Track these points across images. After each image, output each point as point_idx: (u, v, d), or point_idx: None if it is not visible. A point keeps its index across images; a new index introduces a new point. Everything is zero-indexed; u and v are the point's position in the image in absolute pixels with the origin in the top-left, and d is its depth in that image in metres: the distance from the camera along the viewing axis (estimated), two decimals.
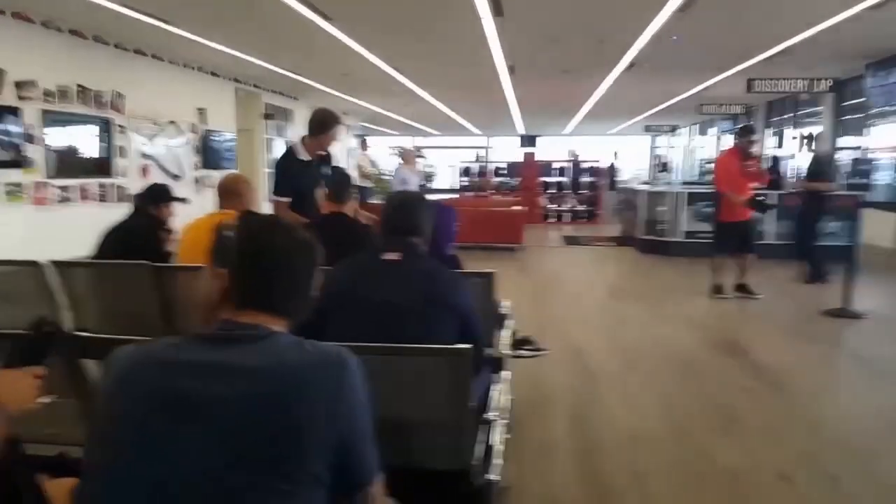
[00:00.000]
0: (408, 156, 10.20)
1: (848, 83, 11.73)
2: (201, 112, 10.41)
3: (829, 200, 7.36)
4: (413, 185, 9.25)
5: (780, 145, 15.81)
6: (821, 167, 7.31)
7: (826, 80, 10.44)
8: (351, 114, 19.31)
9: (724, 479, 2.70)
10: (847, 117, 12.46)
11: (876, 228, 9.50)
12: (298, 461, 0.98)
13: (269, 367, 1.02)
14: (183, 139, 9.82)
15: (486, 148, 26.86)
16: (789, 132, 15.23)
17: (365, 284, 1.94)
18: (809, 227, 7.25)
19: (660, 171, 16.80)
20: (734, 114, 15.99)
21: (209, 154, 10.58)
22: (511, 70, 11.04)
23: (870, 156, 11.43)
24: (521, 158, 15.60)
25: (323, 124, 3.90)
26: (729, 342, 4.80)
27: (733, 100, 14.33)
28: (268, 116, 13.44)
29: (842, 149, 12.50)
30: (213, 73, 11.02)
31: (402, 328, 1.80)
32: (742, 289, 6.25)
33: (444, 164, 27.45)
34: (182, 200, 3.77)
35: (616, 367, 4.21)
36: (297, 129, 14.31)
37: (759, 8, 7.20)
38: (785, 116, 15.25)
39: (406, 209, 2.08)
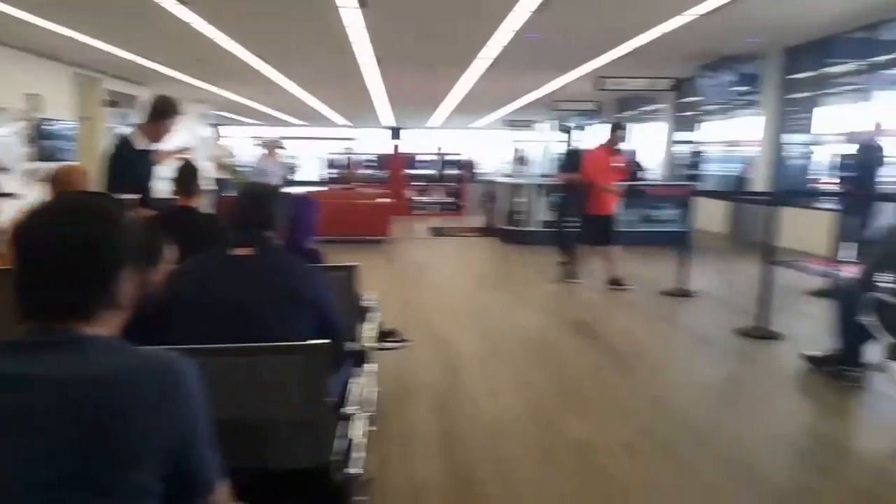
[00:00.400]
0: (270, 146, 9.83)
1: (685, 83, 12.86)
2: (34, 98, 9.42)
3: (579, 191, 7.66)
4: (276, 177, 8.94)
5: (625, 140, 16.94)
6: (572, 160, 7.79)
7: (666, 79, 11.37)
8: (206, 102, 18.30)
9: (576, 454, 2.89)
10: (686, 113, 13.68)
11: (707, 215, 10.54)
12: (122, 474, 0.93)
13: (83, 376, 0.93)
14: (11, 128, 8.84)
15: (350, 140, 26.54)
16: (638, 127, 16.41)
17: (213, 283, 1.85)
18: (562, 216, 7.73)
19: (519, 165, 17.56)
20: (586, 110, 17.01)
21: (45, 144, 9.62)
22: (378, 61, 10.99)
23: (702, 149, 12.64)
24: (390, 150, 15.62)
25: (162, 112, 3.72)
26: (581, 324, 5.12)
27: (585, 97, 15.22)
28: (110, 104, 12.42)
29: (679, 142, 13.73)
30: (49, 57, 10.00)
31: (255, 326, 1.74)
32: (615, 283, 6.44)
33: (310, 156, 26.82)
34: (9, 196, 3.42)
35: (479, 354, 4.36)
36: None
37: (608, 10, 7.71)
38: (633, 112, 16.46)
39: (258, 201, 2.00)
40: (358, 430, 1.92)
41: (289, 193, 2.56)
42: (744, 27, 8.58)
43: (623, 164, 6.51)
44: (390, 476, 2.61)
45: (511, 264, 8.28)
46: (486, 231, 11.29)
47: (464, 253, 9.21)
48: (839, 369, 3.79)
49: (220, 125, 22.98)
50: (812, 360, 3.98)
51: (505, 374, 3.98)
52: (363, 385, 2.17)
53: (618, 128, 6.59)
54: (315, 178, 18.23)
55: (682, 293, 6.13)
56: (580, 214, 6.65)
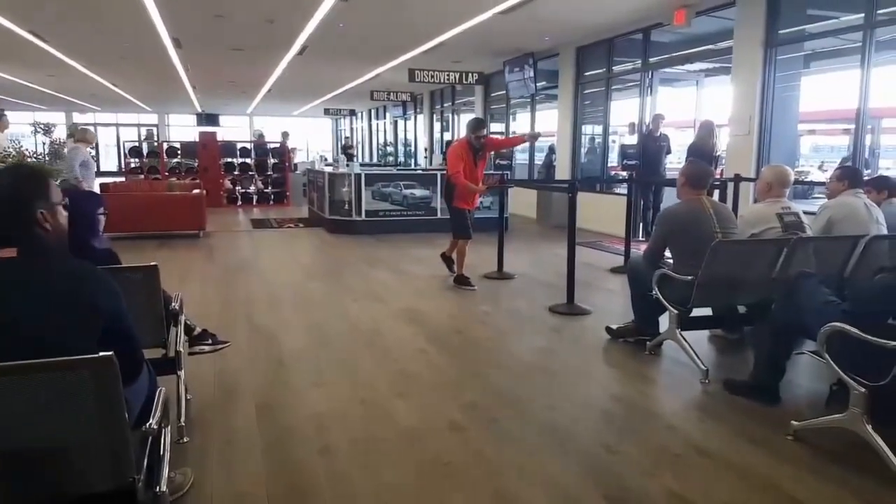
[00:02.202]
0: (87, 135, 8.42)
1: (493, 76, 13.53)
2: None
3: None
4: (90, 170, 7.93)
5: (447, 129, 17.57)
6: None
7: (473, 73, 11.89)
8: None
9: (404, 437, 2.92)
10: (494, 106, 14.39)
11: (520, 202, 11.23)
12: None
13: None
14: None
15: (154, 126, 24.52)
16: (452, 119, 16.99)
17: None
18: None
19: (346, 158, 17.38)
20: (402, 101, 17.30)
21: None
22: (177, 44, 10.23)
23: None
24: (196, 138, 14.57)
25: None
26: (408, 311, 5.20)
27: (401, 88, 15.46)
28: None
29: (493, 133, 14.42)
30: None
31: (28, 346, 1.48)
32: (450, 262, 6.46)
33: (104, 144, 24.38)
34: None
35: (303, 347, 4.25)
36: None
37: (411, 5, 7.88)
38: (446, 104, 17.01)
39: (18, 191, 1.64)
40: (164, 444, 1.77)
41: (70, 186, 2.25)
42: (537, 27, 9.26)
43: (484, 158, 6.21)
44: (209, 489, 2.44)
45: (337, 254, 8.18)
46: (311, 221, 11.04)
47: (288, 245, 8.92)
48: (638, 339, 4.23)
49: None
50: (615, 331, 4.40)
51: (330, 364, 3.91)
52: (169, 395, 1.99)
53: (478, 124, 6.20)
54: (113, 169, 16.67)
55: (502, 276, 6.46)
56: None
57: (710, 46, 8.71)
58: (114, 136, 26.85)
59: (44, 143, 18.73)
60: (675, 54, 9.46)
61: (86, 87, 16.73)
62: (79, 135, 8.47)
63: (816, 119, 14.90)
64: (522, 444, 2.88)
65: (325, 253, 8.44)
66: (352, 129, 27.88)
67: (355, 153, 22.59)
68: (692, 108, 11.06)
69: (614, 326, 4.43)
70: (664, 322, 4.00)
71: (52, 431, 1.50)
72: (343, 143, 25.24)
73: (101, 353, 1.43)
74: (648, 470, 2.63)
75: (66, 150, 9.04)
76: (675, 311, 3.81)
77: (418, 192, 10.04)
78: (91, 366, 1.43)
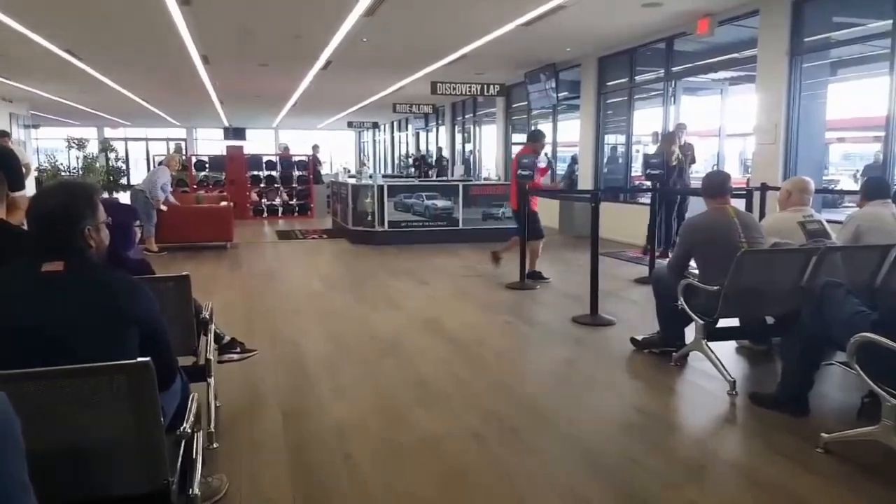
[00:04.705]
0: (172, 160, 9.58)
1: (514, 88, 13.56)
2: None
3: None
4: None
5: (468, 141, 17.64)
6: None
7: (495, 85, 11.94)
8: (16, 101, 16.36)
9: (425, 446, 2.93)
10: (515, 118, 14.42)
11: (541, 211, 11.17)
12: None
13: None
14: None
15: (183, 140, 24.97)
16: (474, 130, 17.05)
17: (16, 308, 1.63)
18: None
19: (362, 166, 17.60)
20: (425, 113, 17.41)
21: None
22: (205, 60, 10.45)
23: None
24: (224, 151, 14.82)
25: None
26: (430, 321, 5.23)
27: (423, 100, 15.57)
28: None
29: (515, 143, 14.46)
30: None
31: (72, 352, 1.56)
32: (534, 275, 6.71)
33: (134, 158, 24.92)
34: None
35: (328, 356, 4.30)
36: None
37: (434, 19, 7.98)
38: (467, 116, 17.09)
39: (68, 209, 1.72)
40: (197, 448, 1.82)
41: (108, 198, 2.32)
42: (559, 38, 9.28)
43: (545, 166, 6.83)
44: (234, 493, 2.48)
45: (360, 265, 8.25)
46: (334, 233, 11.15)
47: (311, 255, 9.02)
48: (663, 350, 4.20)
49: (35, 126, 20.67)
50: (639, 342, 4.37)
51: (353, 373, 3.95)
52: (201, 401, 2.04)
53: (538, 135, 6.95)
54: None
55: (524, 286, 6.47)
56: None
57: (734, 55, 8.66)
58: (143, 150, 27.42)
59: (77, 158, 19.24)
60: (698, 63, 9.41)
61: (117, 103, 17.13)
62: (166, 159, 9.56)
63: (846, 127, 14.68)
64: (544, 454, 2.88)
65: (347, 263, 8.52)
66: (374, 141, 28.13)
67: (365, 163, 22.91)
68: (717, 116, 10.97)
69: (639, 337, 4.40)
70: (690, 333, 3.96)
71: (90, 433, 1.56)
72: (362, 155, 25.52)
73: (139, 360, 1.48)
74: (674, 482, 2.61)
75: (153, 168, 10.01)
76: (701, 322, 3.77)
77: (440, 203, 10.10)
78: (129, 371, 1.48)
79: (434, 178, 15.30)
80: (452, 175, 15.26)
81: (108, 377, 1.48)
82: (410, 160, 19.69)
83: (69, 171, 17.98)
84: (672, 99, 9.42)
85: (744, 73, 9.37)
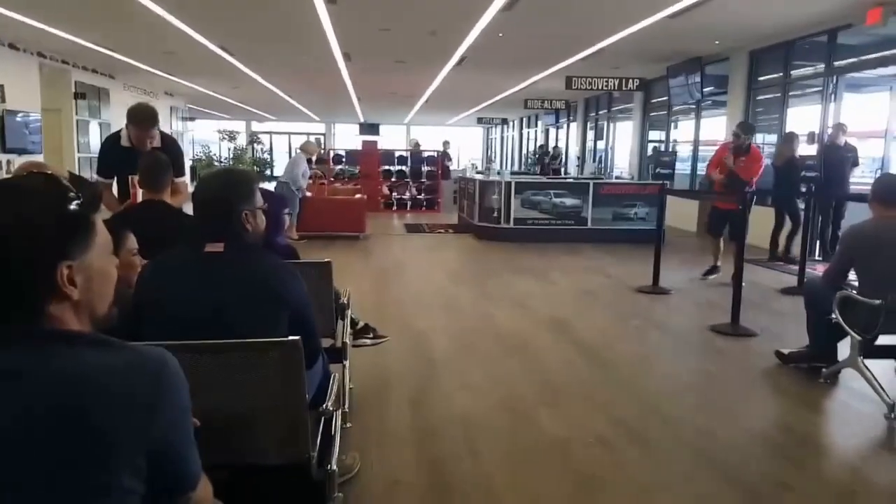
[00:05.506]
0: (309, 147, 10.33)
1: (653, 83, 12.99)
2: None
3: None
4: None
5: (600, 138, 17.17)
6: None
7: (634, 80, 11.49)
8: (176, 95, 17.99)
9: (550, 447, 2.89)
10: (654, 114, 13.82)
11: (678, 213, 10.68)
12: (97, 476, 0.89)
13: (56, 372, 0.87)
14: None
15: (322, 135, 26.33)
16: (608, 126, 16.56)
17: (181, 284, 1.78)
18: None
19: (489, 163, 17.73)
20: (556, 108, 17.11)
21: (9, 136, 9.37)
22: (346, 57, 10.92)
23: (673, 148, 12.80)
24: (359, 146, 15.46)
25: (131, 118, 3.62)
26: (555, 321, 5.14)
27: (555, 96, 15.33)
28: (79, 96, 12.12)
29: (651, 142, 13.89)
30: (13, 46, 9.72)
31: (228, 326, 1.68)
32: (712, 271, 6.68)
33: (281, 151, 26.55)
34: None
35: (453, 349, 4.35)
36: (114, 111, 13.08)
37: (574, 11, 7.80)
38: (601, 112, 16.59)
39: (228, 194, 1.84)
40: (336, 426, 1.90)
41: (263, 188, 2.47)
42: (709, 30, 8.74)
43: (743, 164, 6.55)
44: (365, 472, 2.58)
45: (485, 261, 8.29)
46: (460, 228, 11.29)
47: (438, 250, 9.19)
48: (812, 366, 3.86)
49: (192, 119, 22.68)
50: (786, 356, 4.05)
51: (478, 368, 3.97)
52: (339, 381, 2.13)
53: (746, 128, 6.83)
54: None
55: (657, 290, 6.19)
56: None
57: None
58: (286, 143, 29.23)
59: (228, 149, 20.87)
60: (865, 57, 8.52)
61: (263, 98, 18.36)
62: (304, 146, 10.23)
63: None
64: (676, 466, 2.74)
65: (473, 259, 8.58)
66: (502, 137, 28.13)
67: (491, 160, 22.93)
68: (883, 115, 9.88)
69: (785, 351, 4.07)
70: (843, 349, 3.62)
71: (241, 405, 1.67)
72: (488, 152, 25.56)
73: (290, 338, 1.57)
74: None
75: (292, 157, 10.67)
76: (858, 338, 3.43)
77: (568, 202, 9.91)
78: (280, 348, 1.57)
79: (550, 173, 15.16)
80: (566, 172, 14.99)
81: (261, 352, 1.59)
82: (535, 157, 19.57)
83: (220, 161, 19.54)
84: (832, 96, 8.60)
85: None
